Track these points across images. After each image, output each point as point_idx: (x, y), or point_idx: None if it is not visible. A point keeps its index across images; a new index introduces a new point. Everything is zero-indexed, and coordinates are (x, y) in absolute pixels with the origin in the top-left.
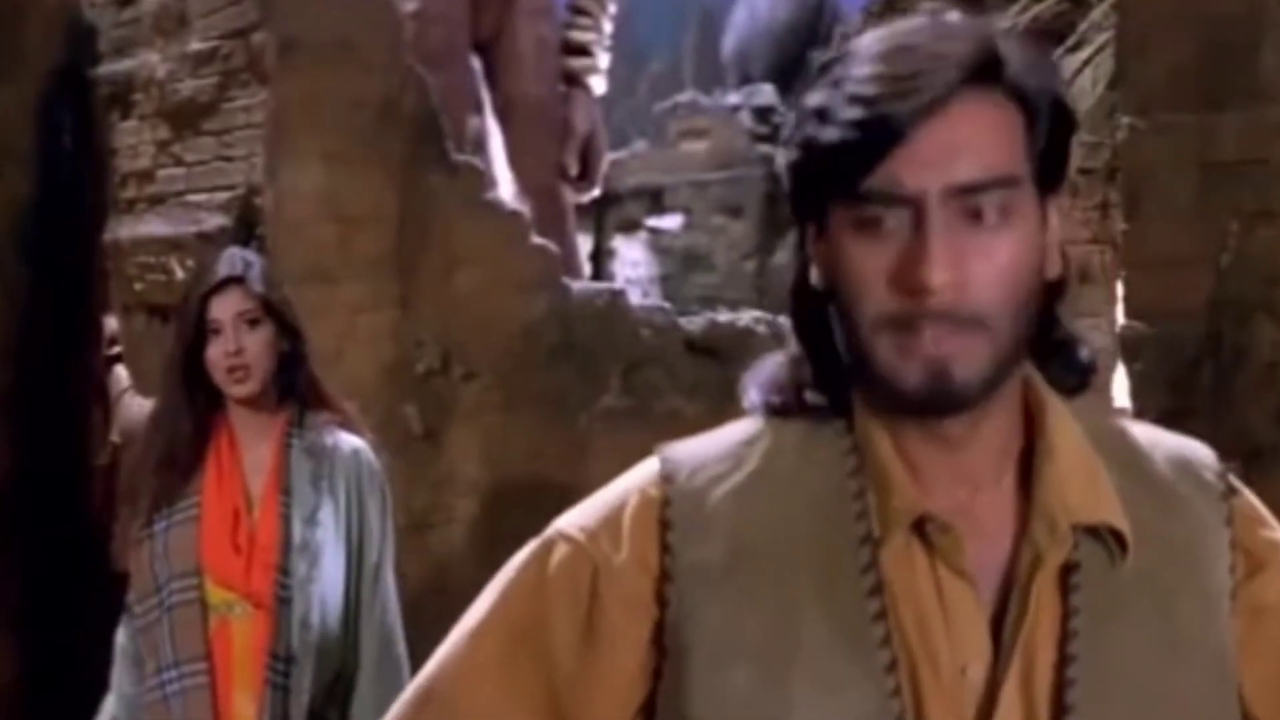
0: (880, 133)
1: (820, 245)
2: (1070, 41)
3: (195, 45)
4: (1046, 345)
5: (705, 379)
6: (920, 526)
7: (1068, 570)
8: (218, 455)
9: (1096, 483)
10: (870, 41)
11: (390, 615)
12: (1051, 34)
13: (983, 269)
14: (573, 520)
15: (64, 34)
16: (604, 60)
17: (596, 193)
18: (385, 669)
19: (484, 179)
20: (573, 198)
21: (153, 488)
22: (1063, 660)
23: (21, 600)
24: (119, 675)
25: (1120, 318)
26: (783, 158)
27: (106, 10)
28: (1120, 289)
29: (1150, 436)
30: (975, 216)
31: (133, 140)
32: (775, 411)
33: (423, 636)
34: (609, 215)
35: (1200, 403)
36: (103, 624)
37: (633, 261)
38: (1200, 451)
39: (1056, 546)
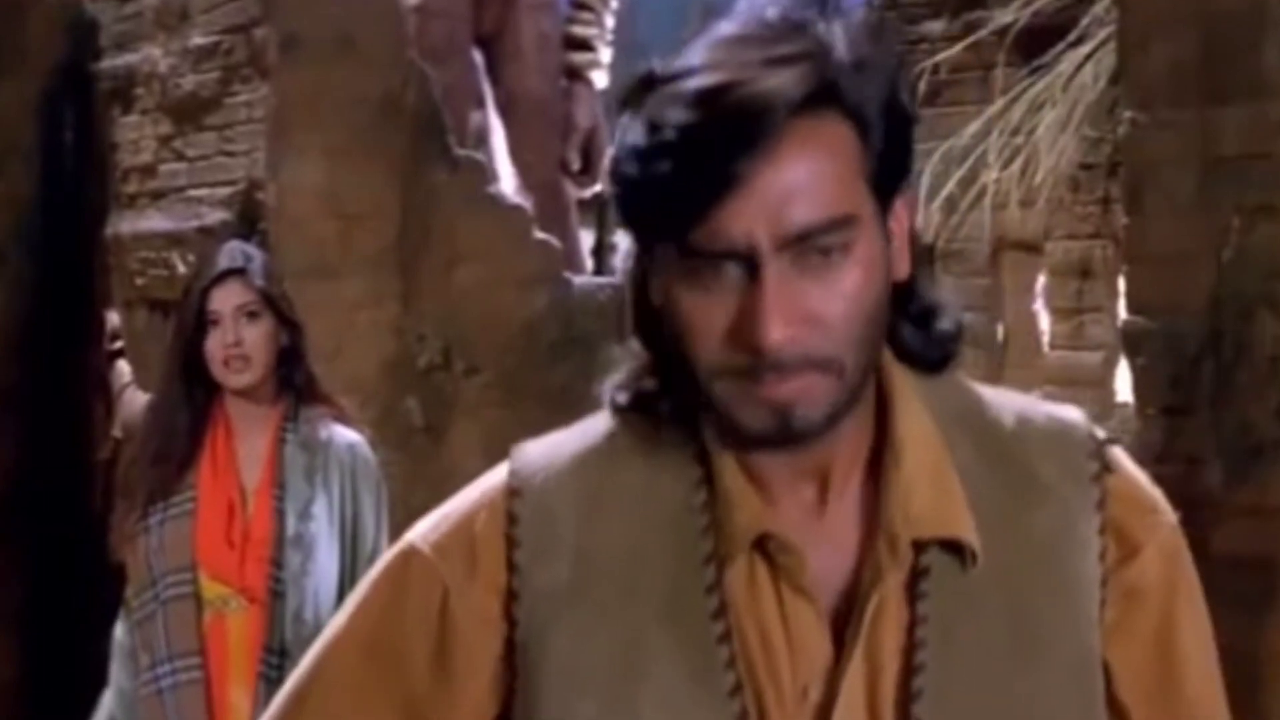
0: (705, 184)
1: (655, 274)
2: (1072, 36)
3: (197, 40)
4: (903, 321)
5: None
6: (763, 544)
7: (916, 578)
8: (213, 449)
9: (944, 489)
10: (687, 71)
11: None
12: (1053, 29)
13: (825, 310)
14: (425, 534)
15: (65, 29)
16: (606, 55)
17: (599, 188)
18: None
19: (486, 174)
20: (575, 193)
21: (148, 480)
22: (909, 670)
23: (23, 596)
24: (117, 670)
25: (1122, 313)
26: (606, 185)
27: (108, 5)
28: (1122, 284)
29: (1020, 414)
30: (812, 258)
31: (134, 135)
32: (626, 413)
33: None
34: (611, 210)
35: (1202, 398)
36: (103, 620)
37: None
38: (1074, 429)
39: (896, 564)
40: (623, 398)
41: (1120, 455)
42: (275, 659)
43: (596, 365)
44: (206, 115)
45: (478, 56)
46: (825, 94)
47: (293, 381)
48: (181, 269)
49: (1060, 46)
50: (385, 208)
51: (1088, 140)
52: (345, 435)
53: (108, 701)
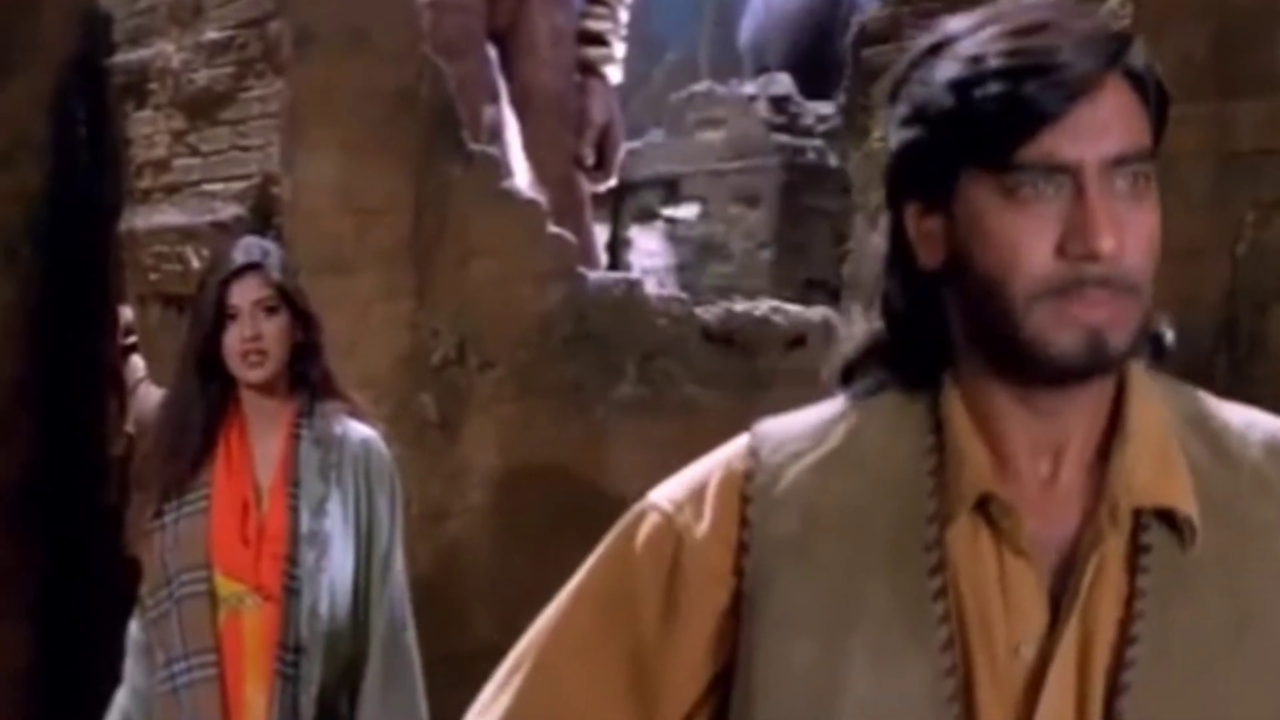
0: (1038, 107)
1: (932, 223)
2: None
3: (210, 35)
4: None
5: (722, 368)
6: (986, 507)
7: (1138, 552)
8: (227, 445)
9: (1169, 465)
10: (992, 20)
11: (399, 604)
12: None
13: (1133, 237)
14: (663, 491)
15: (79, 24)
16: (620, 50)
17: (613, 182)
18: (394, 657)
19: (500, 169)
20: (589, 187)
21: (163, 476)
22: (1124, 640)
23: (36, 590)
24: (131, 668)
25: None
26: (895, 134)
27: (121, 0)
28: None
29: (1246, 418)
30: (1121, 185)
31: (148, 130)
32: (859, 391)
33: (437, 625)
34: (625, 205)
35: (1216, 392)
36: (117, 615)
37: (649, 251)
38: None
39: (1116, 529)
40: (858, 377)
41: None
42: (291, 656)
43: (611, 360)
44: (220, 110)
45: (492, 51)
46: (1120, 50)
47: (308, 377)
48: (195, 264)
49: None
50: (399, 203)
51: None
52: (359, 431)
53: (121, 699)
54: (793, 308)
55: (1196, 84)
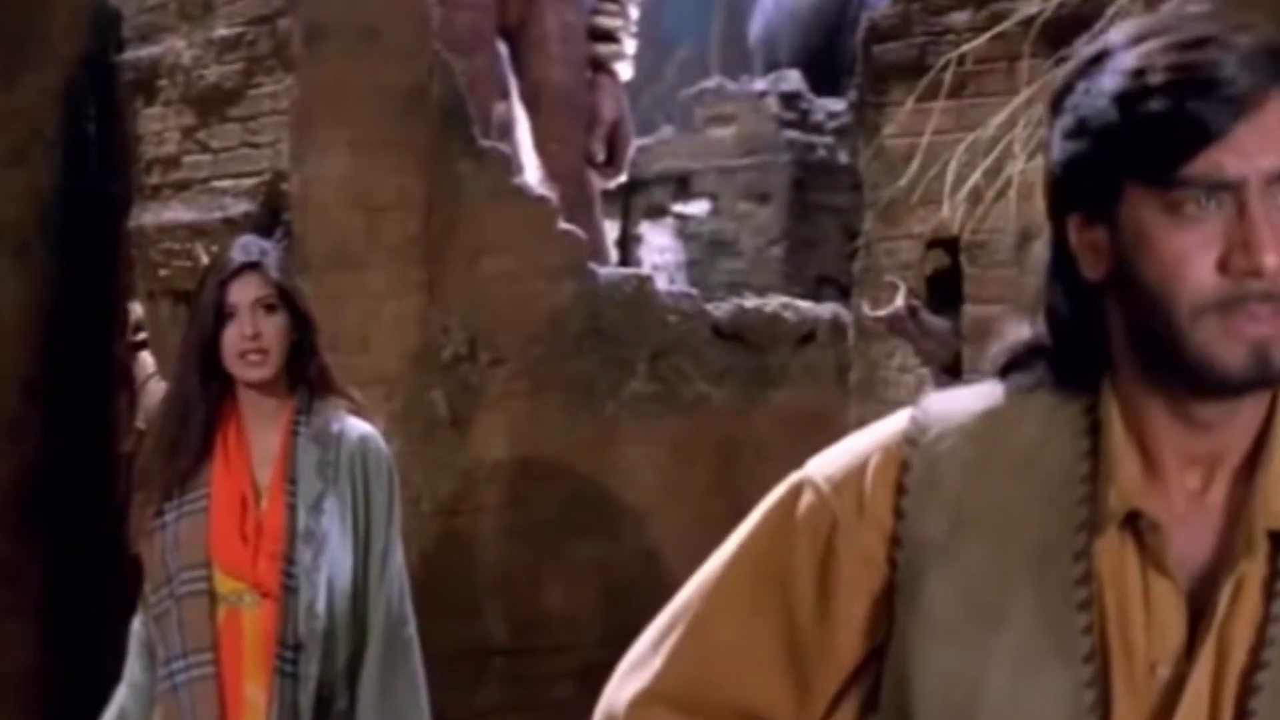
0: (1205, 123)
1: (1096, 234)
2: (1097, 27)
3: (220, 31)
4: None
5: (732, 365)
6: (1134, 521)
7: (1275, 575)
8: (225, 444)
9: None
10: (1155, 32)
11: (398, 600)
12: (1079, 19)
13: None
14: (821, 468)
15: (89, 20)
16: (630, 46)
17: (623, 179)
18: (394, 652)
19: (511, 165)
20: (599, 184)
21: (164, 475)
22: (1254, 666)
23: (45, 587)
24: (131, 664)
25: None
26: (1058, 146)
27: None
28: None
29: None
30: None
31: (158, 126)
32: (1017, 384)
33: (449, 620)
34: (635, 201)
35: None
36: (124, 611)
37: (659, 248)
38: None
39: (1250, 551)
40: (1022, 373)
41: None
42: (290, 653)
43: (621, 356)
44: (230, 106)
45: (502, 48)
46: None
47: (305, 375)
48: (205, 260)
49: (1086, 37)
50: (410, 199)
51: None
52: (357, 428)
53: (120, 694)
54: (803, 304)
55: None
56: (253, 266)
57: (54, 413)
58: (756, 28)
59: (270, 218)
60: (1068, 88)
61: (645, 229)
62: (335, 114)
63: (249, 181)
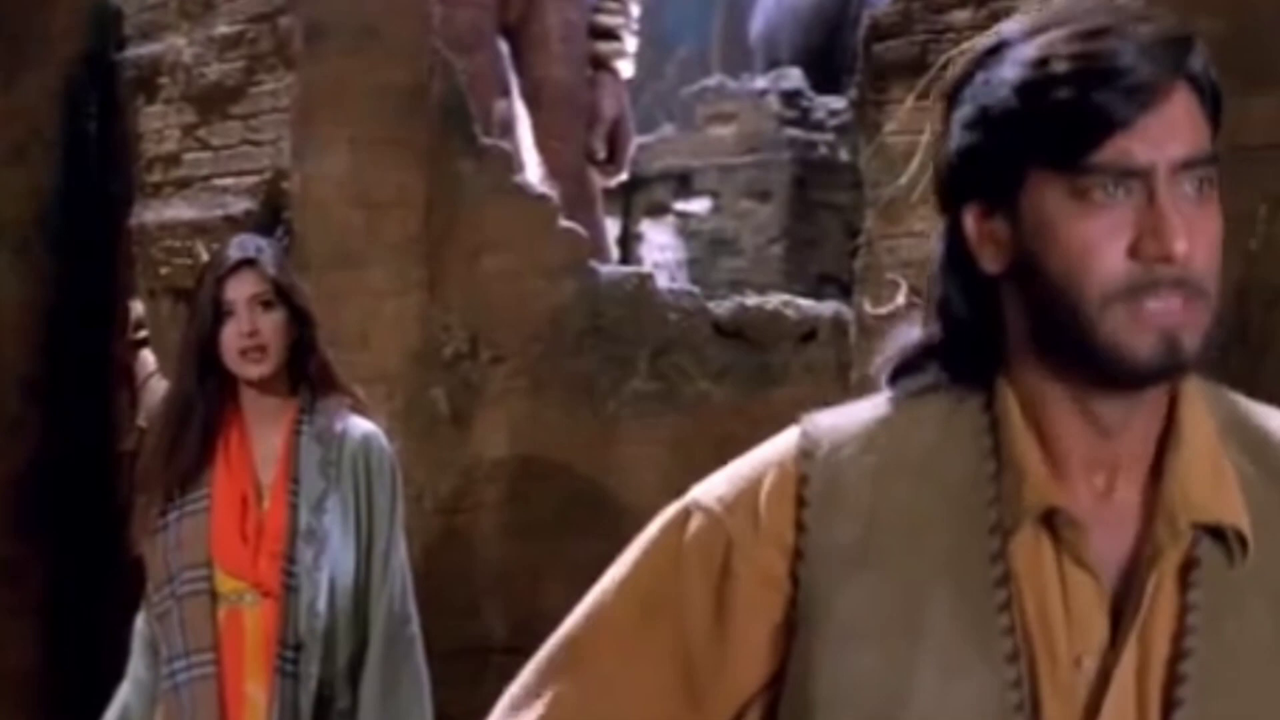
0: (1113, 112)
1: (994, 225)
2: None
3: (221, 29)
4: None
5: (734, 363)
6: (1049, 518)
7: (1188, 566)
8: (227, 444)
9: (1221, 479)
10: (1054, 23)
11: (401, 599)
12: None
13: (1201, 240)
14: (710, 491)
15: (89, 18)
16: (631, 44)
17: (624, 177)
18: (396, 651)
19: (511, 163)
20: (600, 182)
21: (164, 476)
22: (1176, 655)
23: (45, 586)
24: (135, 662)
25: None
26: (956, 136)
27: None
28: None
29: None
30: (1188, 189)
31: (158, 124)
32: (907, 390)
33: (449, 618)
34: (636, 199)
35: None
36: (126, 610)
37: (660, 246)
38: None
39: (1175, 544)
40: (912, 377)
41: None
42: (290, 653)
43: (622, 355)
44: (231, 104)
45: (503, 45)
46: (1186, 53)
47: (307, 372)
48: (206, 258)
49: None
50: (410, 197)
51: None
52: (360, 426)
53: (123, 691)
54: (804, 302)
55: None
56: (249, 263)
57: (54, 412)
58: (757, 26)
59: (271, 216)
60: (965, 79)
61: (646, 227)
62: (336, 112)
63: (250, 179)
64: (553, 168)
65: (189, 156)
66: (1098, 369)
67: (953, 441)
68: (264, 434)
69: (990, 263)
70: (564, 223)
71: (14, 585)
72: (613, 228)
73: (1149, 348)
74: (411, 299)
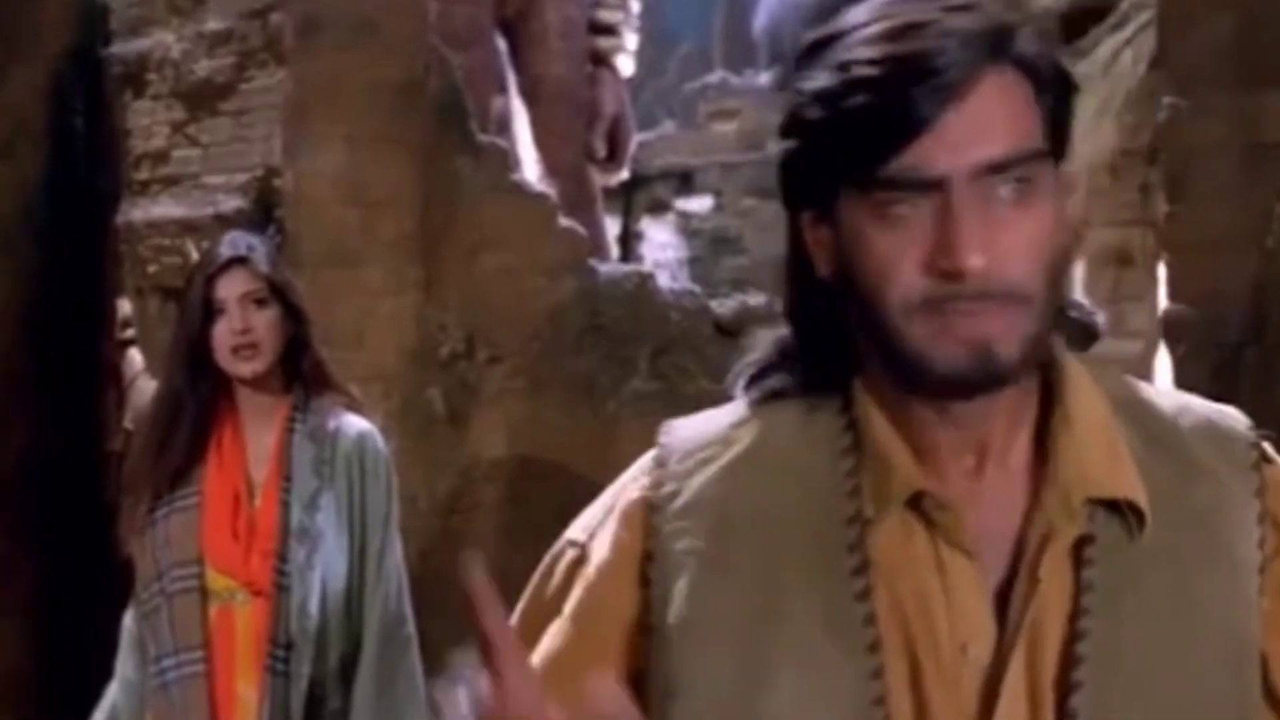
0: (902, 118)
1: (823, 232)
2: (1111, 20)
3: (211, 25)
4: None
5: (735, 362)
6: (919, 504)
7: (1081, 544)
8: (219, 441)
9: (1115, 454)
10: (868, 18)
11: (395, 599)
12: (1091, 13)
13: (1015, 243)
14: (578, 524)
15: (76, 14)
16: (632, 40)
17: (624, 175)
18: (390, 652)
19: (509, 161)
20: (600, 180)
21: (154, 474)
22: (1072, 636)
23: (33, 585)
24: (123, 661)
25: (1162, 301)
26: (777, 146)
27: None
28: (1162, 271)
29: (1179, 403)
30: (1002, 192)
31: (146, 121)
32: (768, 396)
33: (446, 619)
34: (637, 197)
35: (1245, 386)
36: (113, 610)
37: (661, 244)
38: (1232, 419)
39: (1070, 521)
40: (767, 382)
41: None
42: (281, 652)
43: (622, 354)
44: (221, 101)
45: (501, 42)
46: (1006, 43)
47: (301, 370)
48: (196, 256)
49: (1099, 31)
50: (405, 195)
51: (1127, 126)
52: (355, 425)
53: (111, 691)
54: None
55: (1222, 75)
56: (240, 261)
57: (41, 411)
58: (760, 21)
59: (262, 214)
60: (791, 76)
61: (647, 225)
62: (329, 108)
63: (241, 177)
64: (552, 165)
65: (178, 154)
66: (909, 379)
67: (809, 442)
68: (257, 432)
69: (823, 268)
70: (563, 221)
71: (7, 584)
72: (613, 226)
73: (955, 359)
74: (407, 298)
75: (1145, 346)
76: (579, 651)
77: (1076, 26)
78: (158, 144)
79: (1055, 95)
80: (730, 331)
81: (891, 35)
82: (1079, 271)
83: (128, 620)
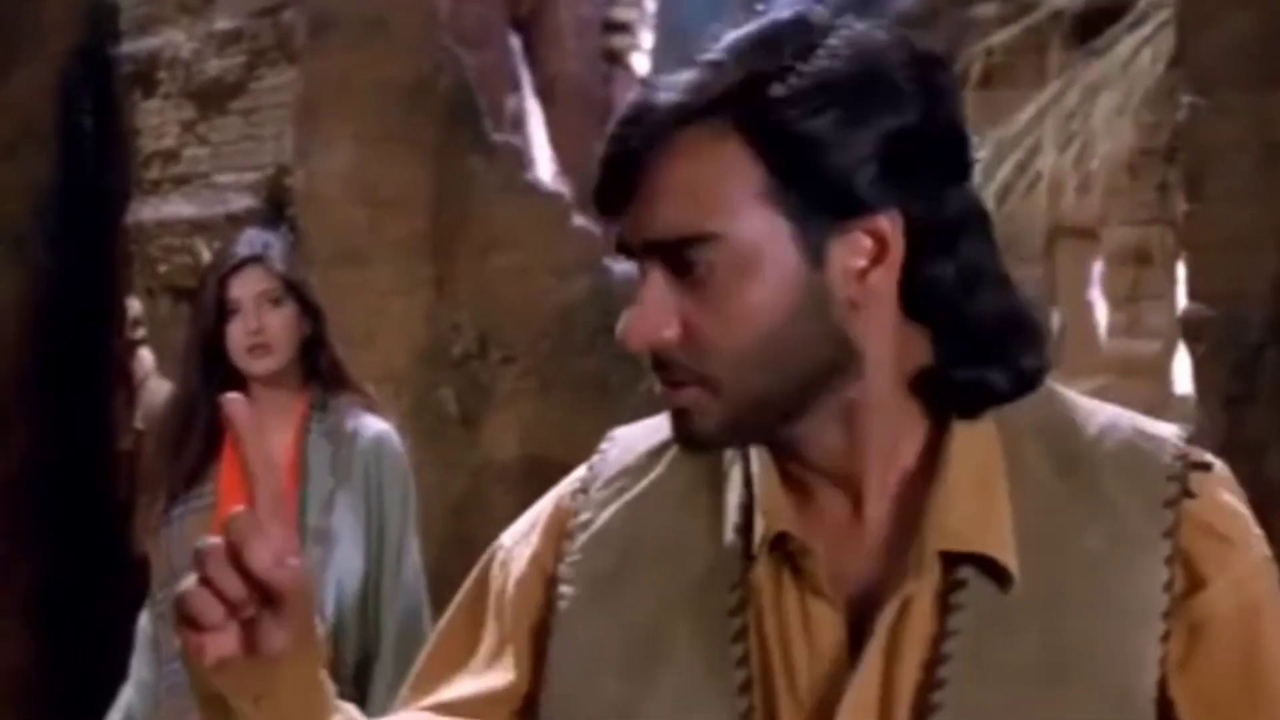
0: (604, 184)
1: None
2: (1129, 19)
3: (221, 24)
4: (949, 362)
5: None
6: (783, 545)
7: (950, 590)
8: (235, 441)
9: (987, 505)
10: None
11: (413, 600)
12: (1110, 11)
13: (700, 325)
14: (509, 532)
15: (84, 12)
16: (647, 39)
17: None
18: (408, 653)
19: (522, 159)
20: None
21: (170, 474)
22: (929, 683)
23: (38, 585)
24: (138, 662)
25: (1181, 300)
26: None
27: None
28: (1181, 270)
29: (1106, 425)
30: (689, 270)
31: (156, 120)
32: None
33: None
34: None
35: (1265, 386)
36: (119, 610)
37: None
38: (1160, 448)
39: (920, 572)
40: None
41: (1212, 480)
42: None
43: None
44: (232, 100)
45: (514, 40)
46: (720, 108)
47: (317, 369)
48: (206, 256)
49: (1117, 29)
50: (416, 194)
51: (1145, 125)
52: (372, 425)
53: (127, 692)
54: None
55: (1242, 73)
56: (256, 260)
57: (49, 411)
58: None
59: (273, 213)
60: None
61: None
62: (340, 107)
63: (251, 176)
64: (565, 164)
65: (188, 153)
66: None
67: (716, 471)
68: (273, 431)
69: None
70: (577, 220)
71: (7, 585)
72: None
73: (671, 422)
74: (418, 298)
75: (1164, 346)
76: (469, 634)
77: (1094, 25)
78: (168, 143)
79: (790, 154)
80: None
81: (629, 101)
82: (1096, 271)
83: (143, 621)
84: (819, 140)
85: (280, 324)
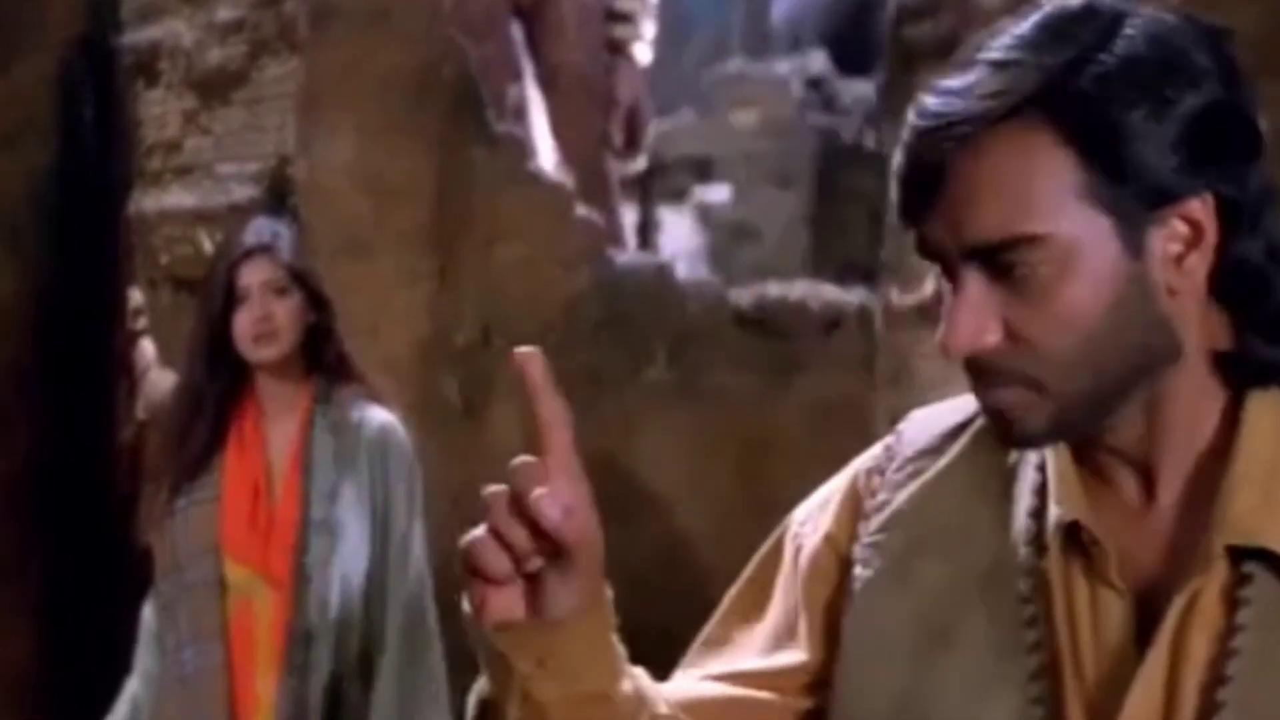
0: (910, 189)
1: None
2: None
3: (223, 14)
4: (1248, 332)
5: (755, 353)
6: (1075, 532)
7: (1239, 583)
8: (240, 431)
9: (1273, 499)
10: (959, 54)
11: (418, 592)
12: None
13: (1023, 326)
14: (801, 509)
15: (86, 1)
16: (649, 28)
17: (642, 164)
18: (412, 645)
19: (525, 150)
20: (618, 169)
21: (175, 464)
22: (1215, 680)
23: (42, 578)
24: (142, 653)
25: None
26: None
27: None
28: None
29: None
30: (1008, 272)
31: (158, 110)
32: None
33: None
34: (655, 186)
35: None
36: (122, 603)
37: (679, 233)
38: None
39: (1205, 566)
40: None
41: None
42: (299, 644)
43: (640, 345)
44: (234, 90)
45: (517, 30)
46: (1028, 105)
47: (323, 360)
48: (208, 247)
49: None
50: (420, 184)
51: None
52: (377, 416)
53: (132, 684)
54: (829, 290)
55: (1249, 64)
56: (263, 249)
57: (50, 404)
58: (781, 8)
59: (276, 203)
60: None
61: (665, 214)
62: (343, 97)
63: (253, 166)
64: (568, 155)
65: (190, 143)
66: None
67: (1007, 454)
68: (278, 422)
69: None
70: (580, 211)
71: (11, 580)
72: (630, 215)
73: (990, 421)
74: (422, 289)
75: None
76: (759, 607)
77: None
78: (170, 133)
79: (1108, 146)
80: (750, 322)
81: (924, 101)
82: None
83: (146, 612)
84: (1132, 128)
85: (286, 313)
